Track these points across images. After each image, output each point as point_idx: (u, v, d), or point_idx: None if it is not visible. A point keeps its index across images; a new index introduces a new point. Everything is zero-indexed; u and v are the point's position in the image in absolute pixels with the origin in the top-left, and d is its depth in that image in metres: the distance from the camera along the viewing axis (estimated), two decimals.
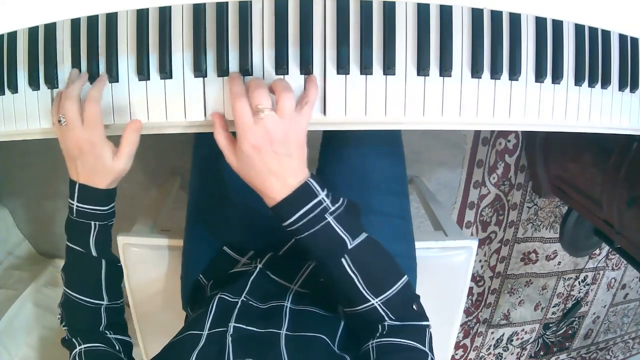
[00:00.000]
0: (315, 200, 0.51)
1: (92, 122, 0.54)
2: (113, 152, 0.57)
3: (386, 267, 0.56)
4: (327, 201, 0.52)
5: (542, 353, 2.16)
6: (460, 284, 0.93)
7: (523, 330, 2.04)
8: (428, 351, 0.52)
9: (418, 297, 0.57)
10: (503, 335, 2.02)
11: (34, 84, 0.59)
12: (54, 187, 1.47)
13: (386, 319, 0.53)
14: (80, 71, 0.58)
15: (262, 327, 0.54)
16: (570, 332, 2.15)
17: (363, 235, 0.54)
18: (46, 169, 1.45)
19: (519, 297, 1.94)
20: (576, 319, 2.12)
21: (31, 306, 1.35)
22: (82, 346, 0.59)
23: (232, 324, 0.53)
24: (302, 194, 0.51)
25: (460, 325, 1.90)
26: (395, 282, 0.54)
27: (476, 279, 1.83)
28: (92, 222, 0.59)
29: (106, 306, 0.63)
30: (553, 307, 2.03)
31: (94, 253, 0.61)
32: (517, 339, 2.06)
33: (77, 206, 0.58)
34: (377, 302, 0.53)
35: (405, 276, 0.55)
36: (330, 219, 0.51)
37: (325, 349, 0.53)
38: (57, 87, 0.59)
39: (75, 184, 0.58)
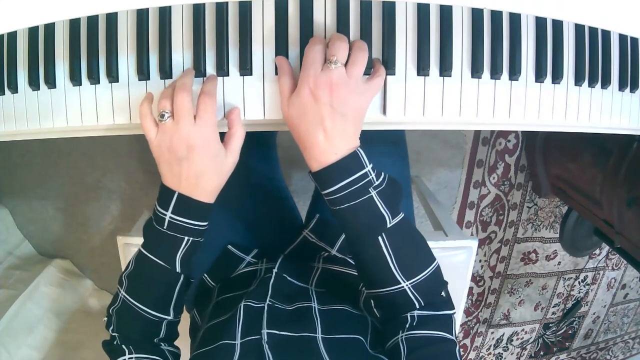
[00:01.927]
0: (362, 172, 0.49)
1: (207, 117, 0.50)
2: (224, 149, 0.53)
3: (419, 250, 0.54)
4: (373, 174, 0.50)
5: (542, 353, 2.16)
6: (460, 284, 0.92)
7: (523, 330, 2.04)
8: (455, 339, 0.51)
9: (446, 283, 0.55)
10: (503, 335, 2.02)
11: (34, 84, 0.59)
12: (54, 187, 1.47)
13: (416, 304, 0.52)
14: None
15: (295, 330, 0.52)
16: (570, 332, 2.15)
17: (401, 215, 0.52)
18: (46, 169, 1.45)
19: (519, 297, 1.94)
20: (576, 319, 2.12)
21: (31, 306, 1.35)
22: (134, 355, 0.54)
23: (265, 331, 0.52)
24: (350, 162, 0.49)
25: (460, 325, 1.90)
26: (427, 266, 0.53)
27: (476, 279, 1.83)
28: (186, 237, 0.53)
29: (169, 321, 0.59)
30: (553, 307, 2.03)
31: (177, 269, 0.55)
32: (517, 339, 2.06)
33: (170, 217, 0.52)
34: (407, 285, 0.51)
35: (436, 261, 0.54)
36: (373, 193, 0.49)
37: (363, 350, 0.52)
38: (56, 87, 0.59)
39: (172, 192, 0.51)
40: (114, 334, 0.57)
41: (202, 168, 0.51)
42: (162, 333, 0.58)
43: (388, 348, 0.51)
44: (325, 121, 0.48)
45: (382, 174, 0.52)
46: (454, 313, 0.54)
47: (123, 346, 0.55)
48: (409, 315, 0.52)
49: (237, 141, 0.54)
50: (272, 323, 0.53)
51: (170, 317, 0.58)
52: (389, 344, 0.51)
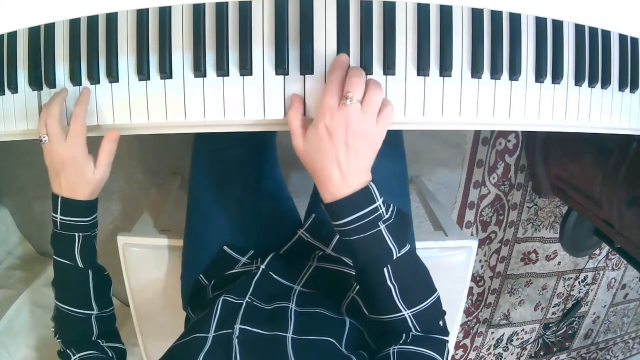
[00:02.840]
0: (373, 206, 0.50)
1: (75, 138, 0.56)
2: (93, 163, 0.60)
3: (422, 280, 0.56)
4: (383, 209, 0.51)
5: (542, 353, 2.16)
6: (460, 284, 0.93)
7: (523, 330, 2.04)
8: None
9: (444, 313, 0.57)
10: (503, 335, 2.02)
11: (34, 84, 0.59)
12: None
13: (412, 330, 0.54)
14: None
15: (268, 329, 0.54)
16: (570, 332, 2.15)
17: (407, 247, 0.54)
18: (46, 169, 1.45)
19: (519, 297, 1.94)
20: (576, 319, 2.12)
21: (31, 306, 1.35)
22: (77, 355, 0.61)
23: (237, 326, 0.53)
24: (362, 197, 0.50)
25: (460, 325, 1.90)
26: (428, 296, 0.55)
27: (476, 279, 1.83)
28: (76, 234, 0.61)
29: (96, 315, 0.65)
30: (553, 307, 2.03)
31: (80, 264, 0.62)
32: (517, 339, 2.06)
33: (60, 219, 0.61)
34: (408, 313, 0.53)
35: (437, 292, 0.56)
36: (382, 227, 0.51)
37: (333, 351, 0.53)
38: (56, 87, 0.59)
39: (57, 197, 0.60)
40: (58, 340, 0.64)
41: (73, 179, 0.59)
42: (95, 329, 0.65)
43: (378, 358, 0.52)
44: (340, 157, 0.49)
45: (392, 206, 0.53)
46: (448, 340, 0.55)
47: (67, 351, 0.62)
48: (404, 334, 0.53)
49: (104, 156, 0.60)
50: (247, 319, 0.55)
51: (95, 312, 0.64)
52: (380, 354, 0.52)
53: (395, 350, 0.51)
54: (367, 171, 0.51)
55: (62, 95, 0.57)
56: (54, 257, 0.63)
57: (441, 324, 0.56)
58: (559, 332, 2.13)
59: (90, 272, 0.64)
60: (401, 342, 0.52)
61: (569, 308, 2.05)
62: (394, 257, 0.52)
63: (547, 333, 2.11)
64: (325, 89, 0.50)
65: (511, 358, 2.11)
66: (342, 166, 0.49)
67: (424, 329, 0.54)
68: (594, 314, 2.14)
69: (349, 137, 0.49)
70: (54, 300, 0.64)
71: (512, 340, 2.06)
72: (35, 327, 1.35)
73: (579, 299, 2.05)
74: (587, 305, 2.09)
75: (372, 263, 0.52)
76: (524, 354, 2.13)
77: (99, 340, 0.65)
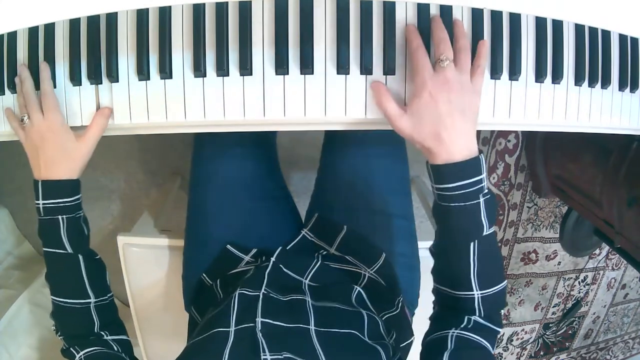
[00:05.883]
0: (479, 177, 0.51)
1: (50, 111, 0.57)
2: (75, 137, 0.59)
3: (497, 266, 0.57)
4: (485, 182, 0.52)
5: (542, 353, 2.16)
6: None
7: (523, 330, 2.04)
8: (494, 356, 0.54)
9: (506, 305, 0.58)
10: (503, 335, 2.02)
11: (33, 84, 0.59)
12: None
13: (476, 313, 0.55)
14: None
15: (289, 321, 0.54)
16: (570, 332, 2.15)
17: (493, 227, 0.54)
18: None
19: (519, 297, 1.94)
20: (576, 319, 2.12)
21: (31, 306, 1.35)
22: (81, 353, 0.59)
23: (259, 319, 0.53)
24: (471, 166, 0.51)
25: None
26: (499, 282, 0.55)
27: None
28: (60, 217, 0.60)
29: (95, 304, 0.63)
30: (553, 307, 2.03)
31: (69, 250, 0.61)
32: (517, 339, 2.06)
33: (42, 204, 0.59)
34: (478, 294, 0.54)
35: (506, 281, 0.57)
36: (482, 200, 0.51)
37: (359, 342, 0.54)
38: (56, 87, 0.59)
39: (37, 182, 0.59)
40: (60, 337, 0.62)
41: (52, 153, 0.58)
42: (97, 321, 0.62)
43: (431, 338, 0.53)
44: (446, 118, 0.51)
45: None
46: (500, 332, 0.57)
47: (71, 349, 0.60)
48: (466, 317, 0.54)
49: (92, 131, 0.59)
50: (267, 312, 0.55)
51: (92, 299, 0.62)
52: (434, 334, 0.54)
53: (455, 334, 0.52)
54: (473, 138, 0.52)
55: (28, 75, 0.59)
56: (44, 248, 0.62)
57: (501, 314, 0.57)
58: (559, 332, 2.13)
59: (80, 257, 0.62)
60: (462, 326, 0.53)
61: (569, 308, 2.05)
62: (483, 233, 0.53)
63: (547, 333, 2.11)
64: (415, 60, 0.53)
65: (511, 358, 2.11)
66: (448, 128, 0.51)
67: (487, 314, 0.55)
68: (594, 314, 2.14)
69: (451, 95, 0.51)
70: (50, 296, 0.62)
71: (512, 340, 2.06)
72: (35, 327, 1.35)
73: (579, 299, 2.05)
74: (587, 305, 2.09)
75: (462, 235, 0.53)
76: (524, 354, 2.13)
77: (103, 333, 0.63)
